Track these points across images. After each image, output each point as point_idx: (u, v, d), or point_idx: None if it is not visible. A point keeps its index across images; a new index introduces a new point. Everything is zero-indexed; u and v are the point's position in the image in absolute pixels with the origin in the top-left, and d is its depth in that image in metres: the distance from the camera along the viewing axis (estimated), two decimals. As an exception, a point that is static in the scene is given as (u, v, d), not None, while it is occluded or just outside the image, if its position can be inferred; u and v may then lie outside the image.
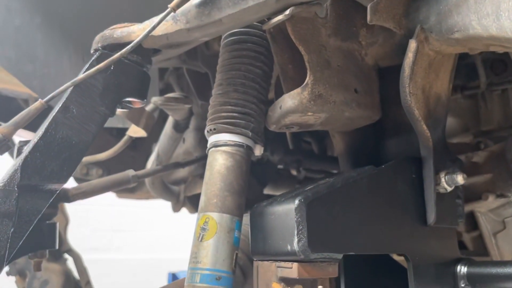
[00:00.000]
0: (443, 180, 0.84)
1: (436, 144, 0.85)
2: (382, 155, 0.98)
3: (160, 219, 7.05)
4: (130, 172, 1.15)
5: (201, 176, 1.52)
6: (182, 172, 1.57)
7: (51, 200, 0.71)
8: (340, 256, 0.74)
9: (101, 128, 0.77)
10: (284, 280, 0.76)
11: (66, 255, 1.75)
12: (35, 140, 0.69)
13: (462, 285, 0.85)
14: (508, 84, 1.24)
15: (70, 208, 1.97)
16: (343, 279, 1.00)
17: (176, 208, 1.59)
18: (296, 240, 0.70)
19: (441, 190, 0.85)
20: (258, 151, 0.90)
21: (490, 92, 1.30)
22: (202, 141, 1.47)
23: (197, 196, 1.60)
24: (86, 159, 1.31)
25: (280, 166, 1.72)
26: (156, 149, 1.39)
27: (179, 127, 1.32)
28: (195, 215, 0.86)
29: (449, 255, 0.87)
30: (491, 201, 0.99)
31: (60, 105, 0.74)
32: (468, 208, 1.01)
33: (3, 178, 0.66)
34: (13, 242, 0.65)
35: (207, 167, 0.86)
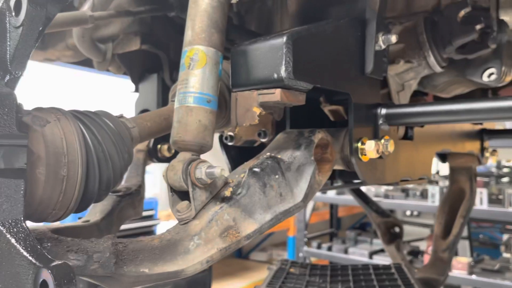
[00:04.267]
0: (380, 39, 1.05)
1: (380, 8, 1.05)
2: (328, 17, 1.15)
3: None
4: (88, 12, 1.12)
5: (135, 33, 1.53)
6: (112, 29, 1.54)
7: (60, 10, 0.72)
8: (310, 86, 0.92)
9: None
10: (263, 105, 0.92)
11: None
12: None
13: (381, 122, 1.12)
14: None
15: None
16: (289, 122, 1.21)
17: (102, 67, 1.58)
18: (283, 68, 0.85)
19: (377, 48, 1.06)
20: (235, -3, 0.99)
21: (398, -17, 1.54)
22: (138, -3, 1.45)
23: (129, 54, 1.61)
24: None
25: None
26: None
27: (122, -23, 1.29)
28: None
29: (374, 100, 1.12)
30: (401, 66, 1.26)
31: None
32: (382, 70, 1.27)
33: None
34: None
35: (192, 5, 0.93)
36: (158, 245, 0.81)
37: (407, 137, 1.31)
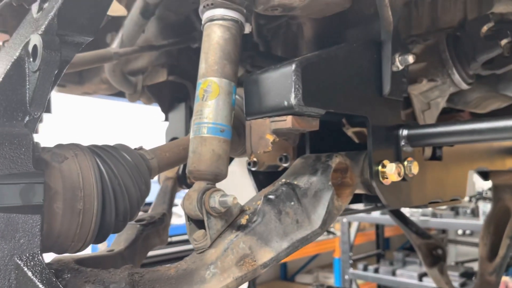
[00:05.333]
0: (397, 60, 1.04)
1: (394, 30, 1.04)
2: (344, 41, 1.15)
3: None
4: (112, 49, 1.19)
5: (162, 65, 1.59)
6: (140, 62, 1.61)
7: (76, 53, 0.77)
8: (322, 111, 0.91)
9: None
10: (276, 132, 0.92)
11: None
12: (64, -7, 0.73)
13: (403, 143, 1.09)
14: (439, -8, 1.46)
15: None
16: (308, 147, 1.21)
17: (133, 98, 1.65)
18: (293, 96, 0.86)
19: (394, 69, 1.05)
20: (248, 29, 1.01)
21: (422, 0, 1.52)
22: (163, 31, 1.52)
23: (157, 85, 1.68)
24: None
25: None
26: (120, 35, 1.41)
27: (147, 13, 1.35)
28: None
29: (394, 121, 1.10)
30: (424, 84, 1.23)
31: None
32: (405, 90, 1.25)
33: (40, 27, 0.71)
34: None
35: (205, 38, 0.96)
36: (174, 274, 0.82)
37: (435, 157, 1.27)
